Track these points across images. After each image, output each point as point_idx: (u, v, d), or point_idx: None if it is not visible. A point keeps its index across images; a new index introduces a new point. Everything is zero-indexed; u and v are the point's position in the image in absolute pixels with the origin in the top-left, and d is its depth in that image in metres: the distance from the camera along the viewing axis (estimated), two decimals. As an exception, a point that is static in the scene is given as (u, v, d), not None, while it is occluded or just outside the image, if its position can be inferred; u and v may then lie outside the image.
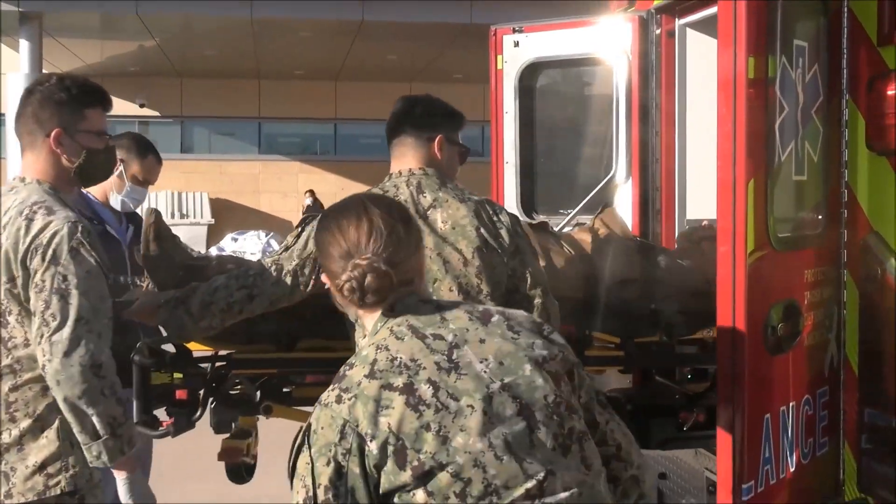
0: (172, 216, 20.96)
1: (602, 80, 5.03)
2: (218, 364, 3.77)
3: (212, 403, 3.92)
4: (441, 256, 3.03)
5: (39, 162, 2.81)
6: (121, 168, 4.02)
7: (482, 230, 3.05)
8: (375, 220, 2.02)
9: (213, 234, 20.79)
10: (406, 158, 3.18)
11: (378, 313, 2.03)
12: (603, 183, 4.90)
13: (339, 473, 1.86)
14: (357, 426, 1.86)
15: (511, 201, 5.23)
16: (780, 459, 3.13)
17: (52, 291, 2.63)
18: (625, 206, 4.85)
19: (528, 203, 5.27)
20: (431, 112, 3.24)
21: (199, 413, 3.77)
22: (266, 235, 3.89)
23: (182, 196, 21.70)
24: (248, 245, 3.79)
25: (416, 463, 1.84)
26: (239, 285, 3.14)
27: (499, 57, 5.24)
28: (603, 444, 2.06)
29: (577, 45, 5.04)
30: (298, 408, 4.04)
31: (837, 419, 3.40)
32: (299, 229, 3.25)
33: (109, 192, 4.07)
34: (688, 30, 4.80)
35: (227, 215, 22.10)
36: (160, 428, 3.60)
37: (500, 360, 1.94)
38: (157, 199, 21.44)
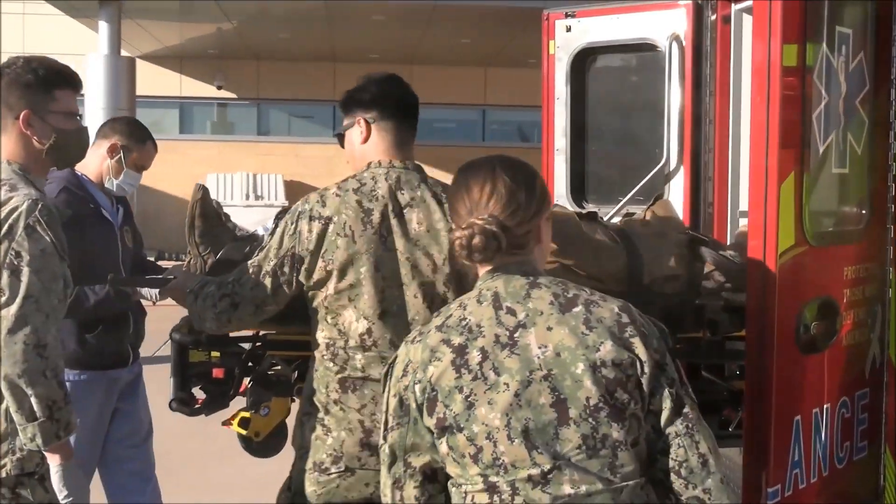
0: (248, 198, 21.22)
1: (655, 67, 4.92)
2: (255, 344, 3.79)
3: (249, 383, 3.94)
4: (409, 261, 2.86)
5: (10, 143, 2.81)
6: (120, 153, 4.05)
7: None
8: (499, 183, 2.09)
9: (287, 216, 20.98)
10: (385, 146, 3.01)
11: (486, 270, 2.12)
12: (653, 172, 4.80)
13: (402, 405, 2.07)
14: (414, 367, 2.05)
15: (561, 189, 5.16)
16: (812, 463, 3.01)
17: (4, 266, 2.60)
18: (675, 196, 4.74)
19: (578, 191, 5.20)
20: (415, 101, 3.05)
21: (233, 392, 3.79)
22: None
23: (257, 178, 21.96)
24: None
25: (440, 416, 2.00)
26: (221, 294, 2.98)
27: (551, 42, 5.17)
28: (664, 456, 2.02)
29: (629, 30, 4.94)
30: None
31: (879, 423, 3.27)
32: (274, 226, 3.20)
33: (105, 175, 4.07)
34: (744, 15, 4.66)
35: (302, 197, 22.25)
36: (196, 405, 3.63)
37: (558, 352, 1.99)
38: (234, 180, 21.76)
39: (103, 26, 16.48)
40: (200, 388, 3.75)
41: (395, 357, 2.13)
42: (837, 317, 3.05)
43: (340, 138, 3.18)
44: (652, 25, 4.85)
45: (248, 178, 21.87)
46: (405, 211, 2.89)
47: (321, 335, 2.94)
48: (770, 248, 2.82)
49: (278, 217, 3.17)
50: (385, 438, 2.11)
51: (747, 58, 4.70)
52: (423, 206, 2.89)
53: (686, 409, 2.02)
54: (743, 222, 4.71)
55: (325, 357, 2.92)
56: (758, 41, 2.86)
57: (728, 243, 4.30)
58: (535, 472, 1.94)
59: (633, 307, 2.11)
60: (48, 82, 2.81)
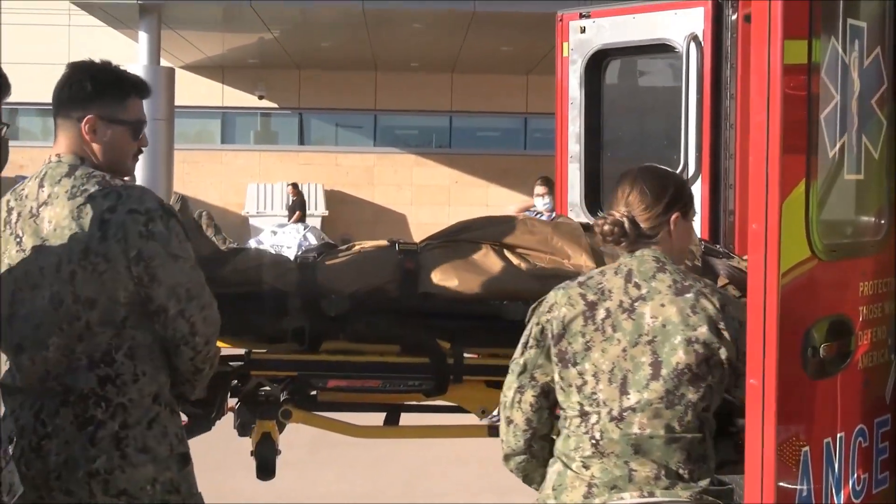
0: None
1: (672, 69, 4.68)
2: (238, 364, 3.61)
3: (236, 404, 3.77)
4: (38, 262, 2.69)
5: None
6: None
7: (86, 233, 2.66)
8: (635, 187, 2.69)
9: (327, 226, 20.96)
10: (57, 142, 2.86)
11: (627, 252, 2.70)
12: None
13: (542, 332, 2.69)
14: (557, 307, 2.66)
15: (575, 198, 4.94)
16: (824, 496, 2.74)
17: None
18: (694, 203, 4.49)
19: (592, 200, 4.97)
20: (83, 85, 2.83)
21: (216, 414, 3.62)
22: (304, 229, 3.79)
23: (298, 187, 21.91)
24: (286, 239, 3.68)
25: (562, 349, 2.64)
26: None
27: (564, 44, 4.96)
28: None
29: (646, 30, 4.71)
30: (322, 414, 3.85)
31: (901, 452, 2.99)
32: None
33: None
34: (766, 13, 4.40)
35: (342, 207, 22.23)
36: None
37: (664, 324, 2.57)
38: (274, 190, 21.75)
39: (143, 36, 16.52)
40: (182, 411, 3.59)
41: (545, 298, 2.72)
42: (851, 337, 2.77)
43: None
44: (669, 25, 4.62)
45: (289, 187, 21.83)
46: (41, 209, 2.74)
47: None
48: (771, 262, 2.56)
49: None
50: (521, 354, 2.74)
51: (770, 58, 4.46)
52: (56, 203, 2.72)
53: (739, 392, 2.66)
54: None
55: None
56: (757, 38, 2.60)
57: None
58: (615, 410, 2.56)
59: (736, 307, 2.65)
60: None
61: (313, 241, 3.70)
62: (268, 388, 3.70)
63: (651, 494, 2.55)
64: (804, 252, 2.63)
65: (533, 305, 2.76)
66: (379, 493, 6.41)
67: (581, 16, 4.87)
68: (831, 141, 2.70)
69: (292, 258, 3.80)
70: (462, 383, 3.65)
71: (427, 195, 22.74)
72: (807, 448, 2.69)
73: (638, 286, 2.61)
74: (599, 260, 3.64)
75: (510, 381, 2.76)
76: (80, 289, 2.69)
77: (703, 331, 2.54)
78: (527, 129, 23.56)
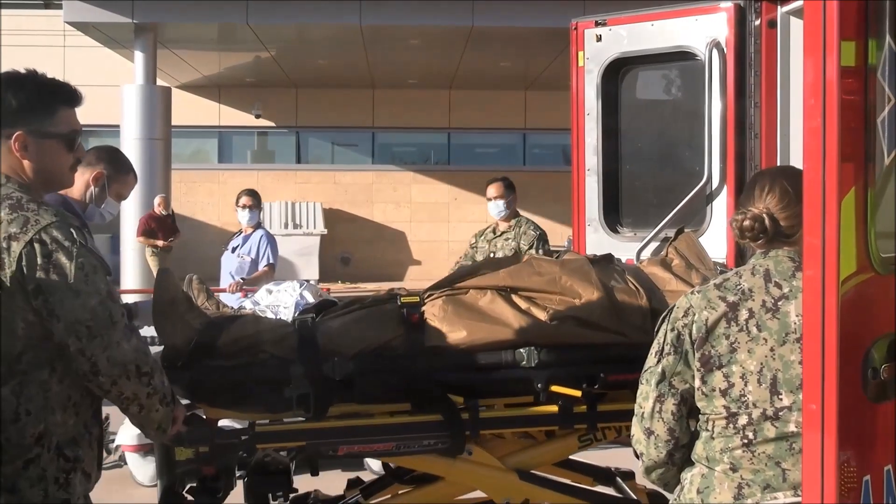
0: (286, 226, 21.00)
1: (694, 77, 4.51)
2: (243, 437, 3.37)
3: (244, 478, 3.56)
4: None
5: None
6: (104, 182, 3.92)
7: None
8: (776, 185, 2.67)
9: (326, 245, 20.77)
10: None
11: (761, 251, 2.67)
12: (694, 192, 4.38)
13: (679, 338, 2.64)
14: (694, 311, 2.63)
15: (593, 212, 4.75)
16: (886, 528, 2.55)
17: None
18: (718, 218, 4.31)
19: (611, 214, 4.79)
20: (6, 100, 2.66)
21: (222, 493, 3.40)
22: (300, 287, 3.71)
23: (296, 206, 21.74)
24: (283, 297, 3.60)
25: (706, 353, 2.59)
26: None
27: (580, 53, 4.79)
28: None
29: (665, 37, 4.55)
30: None
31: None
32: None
33: (88, 202, 3.92)
34: (791, 18, 4.24)
35: (341, 225, 22.05)
36: None
37: None
38: (272, 209, 21.57)
39: (139, 56, 16.44)
40: (187, 492, 3.40)
41: (676, 304, 2.68)
42: (913, 357, 2.59)
43: None
44: (690, 32, 4.46)
45: (287, 206, 21.65)
46: None
47: None
48: (830, 276, 2.37)
49: None
50: (657, 362, 2.67)
51: (795, 65, 4.28)
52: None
53: None
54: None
55: None
56: (810, 37, 2.43)
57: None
58: (770, 410, 2.53)
59: None
60: None
61: (310, 298, 3.59)
62: (276, 457, 3.52)
63: None
64: (862, 265, 2.45)
65: (664, 313, 2.73)
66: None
67: (597, 24, 4.70)
68: (889, 147, 2.52)
69: (290, 320, 3.62)
70: (489, 471, 3.51)
71: (426, 212, 22.58)
72: (867, 477, 2.51)
73: (779, 285, 2.59)
74: (611, 295, 3.47)
75: (646, 391, 2.70)
76: None
77: None
78: (525, 145, 23.42)
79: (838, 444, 2.42)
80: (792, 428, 2.52)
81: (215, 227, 21.94)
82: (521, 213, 6.99)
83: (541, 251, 6.70)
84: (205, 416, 3.35)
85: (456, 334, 3.38)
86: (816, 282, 2.43)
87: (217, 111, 22.43)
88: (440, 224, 22.48)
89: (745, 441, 2.56)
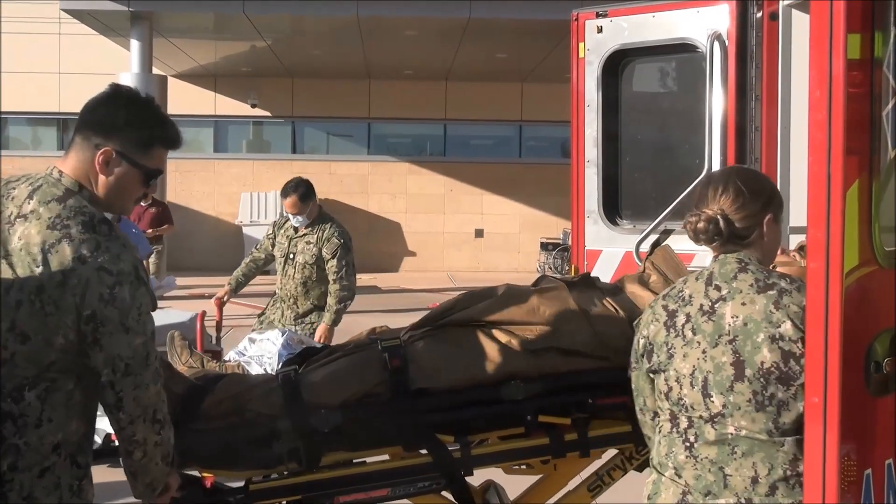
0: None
1: (694, 69, 4.50)
2: (239, 496, 3.31)
3: None
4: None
5: None
6: None
7: (44, 269, 2.47)
8: (730, 185, 2.62)
9: (321, 235, 20.68)
10: (67, 157, 2.67)
11: (713, 255, 2.67)
12: (693, 186, 4.36)
13: (635, 353, 2.76)
14: (642, 326, 2.73)
15: (592, 205, 4.74)
16: (886, 522, 2.55)
17: None
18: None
19: (611, 206, 4.78)
20: (115, 114, 2.66)
21: None
22: (282, 335, 3.71)
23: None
24: (266, 347, 3.59)
25: (653, 361, 2.68)
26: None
27: (581, 45, 4.77)
28: None
29: (666, 29, 4.53)
30: None
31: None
32: None
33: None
34: (793, 11, 4.23)
35: (336, 216, 21.86)
36: None
37: (746, 322, 2.52)
38: (267, 199, 21.54)
39: (135, 45, 16.39)
40: None
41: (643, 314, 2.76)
42: (915, 351, 2.58)
43: None
44: (691, 24, 4.44)
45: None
46: (17, 221, 2.56)
47: None
48: (834, 269, 2.37)
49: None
50: (630, 375, 2.81)
51: (797, 58, 4.27)
52: (37, 222, 2.53)
53: None
54: (795, 240, 4.26)
55: None
56: (816, 29, 2.42)
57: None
58: (705, 413, 2.55)
59: None
60: None
61: (294, 348, 3.58)
62: None
63: (749, 501, 2.51)
64: (866, 259, 2.45)
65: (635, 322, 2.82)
66: None
67: (598, 15, 4.69)
68: (894, 140, 2.52)
69: (274, 372, 3.59)
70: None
71: (421, 203, 22.56)
72: (869, 471, 2.51)
73: (718, 288, 2.58)
74: (591, 321, 3.45)
75: (636, 401, 2.84)
76: (19, 319, 2.49)
77: (787, 328, 2.47)
78: (521, 137, 23.39)
79: (840, 437, 2.42)
80: (730, 430, 2.52)
81: (211, 217, 21.91)
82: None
83: (344, 261, 6.62)
84: (199, 474, 3.31)
85: (439, 375, 3.38)
86: (820, 275, 2.42)
87: (213, 100, 22.36)
88: (435, 215, 22.46)
89: (688, 444, 2.59)
